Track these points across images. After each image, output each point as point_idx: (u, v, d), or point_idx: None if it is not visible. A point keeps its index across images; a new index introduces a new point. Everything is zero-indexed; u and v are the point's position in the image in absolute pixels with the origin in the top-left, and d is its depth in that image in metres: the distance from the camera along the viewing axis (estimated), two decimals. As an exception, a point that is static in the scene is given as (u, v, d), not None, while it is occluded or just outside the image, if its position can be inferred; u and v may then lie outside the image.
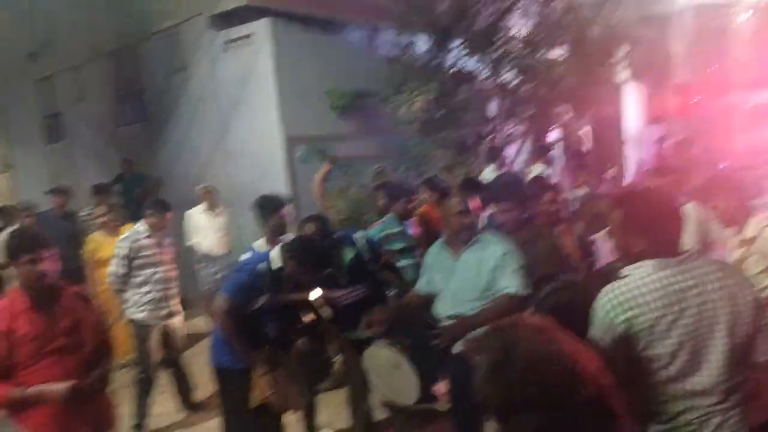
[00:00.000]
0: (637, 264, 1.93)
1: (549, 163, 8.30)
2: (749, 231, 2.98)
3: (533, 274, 3.02)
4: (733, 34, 15.42)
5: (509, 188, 3.08)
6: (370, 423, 3.97)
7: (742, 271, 2.53)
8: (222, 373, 3.31)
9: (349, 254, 3.66)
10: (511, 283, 2.95)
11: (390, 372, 3.38)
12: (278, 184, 6.89)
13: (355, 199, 6.94)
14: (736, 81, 15.67)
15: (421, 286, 3.40)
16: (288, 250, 3.15)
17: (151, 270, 4.47)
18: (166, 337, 4.62)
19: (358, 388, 3.85)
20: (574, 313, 2.08)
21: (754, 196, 3.48)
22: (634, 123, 14.16)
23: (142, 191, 8.07)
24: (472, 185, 4.46)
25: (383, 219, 4.41)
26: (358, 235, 3.83)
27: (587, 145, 12.63)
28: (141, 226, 4.52)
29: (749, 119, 15.06)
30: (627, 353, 1.86)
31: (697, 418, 1.89)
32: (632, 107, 13.94)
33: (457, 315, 3.08)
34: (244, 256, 3.77)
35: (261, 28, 6.73)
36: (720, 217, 3.20)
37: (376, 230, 4.50)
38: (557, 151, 10.67)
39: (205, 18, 7.17)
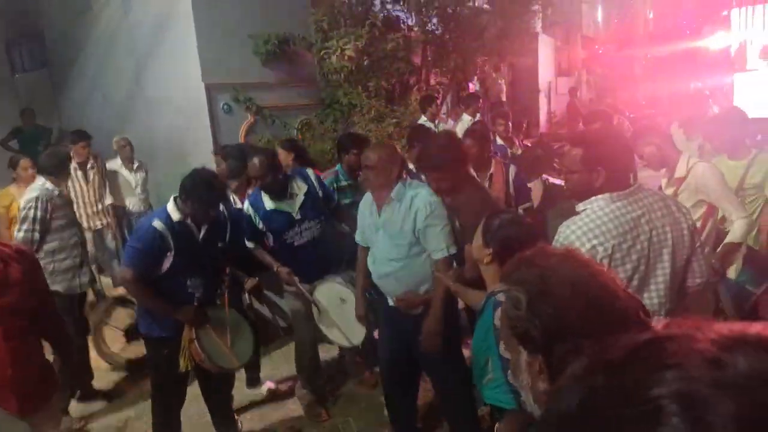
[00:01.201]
0: (591, 199, 2.08)
1: (475, 112, 8.46)
2: (679, 170, 3.18)
3: (469, 229, 2.78)
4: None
5: (440, 155, 2.84)
6: (315, 373, 3.98)
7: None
8: (149, 342, 3.17)
9: (302, 188, 3.58)
10: (439, 246, 2.81)
11: (337, 307, 3.38)
12: (200, 136, 6.55)
13: (284, 150, 6.74)
14: (638, 33, 16.61)
15: (358, 239, 3.26)
16: (182, 193, 2.97)
17: (68, 232, 3.99)
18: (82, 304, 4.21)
19: (304, 339, 3.84)
20: (524, 245, 2.21)
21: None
22: (546, 73, 14.67)
23: (45, 145, 7.40)
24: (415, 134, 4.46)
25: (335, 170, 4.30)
26: (310, 171, 3.76)
27: (504, 95, 13.00)
28: (48, 183, 3.93)
29: (648, 70, 16.07)
30: None
31: None
32: (545, 58, 14.40)
33: (387, 274, 2.97)
34: None
35: (177, -35, 6.21)
36: (648, 163, 3.40)
37: (327, 182, 4.41)
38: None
39: (111, -48, 6.53)
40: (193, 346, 3.04)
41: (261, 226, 3.55)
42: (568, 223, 2.09)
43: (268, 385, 4.26)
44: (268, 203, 3.51)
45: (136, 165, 6.31)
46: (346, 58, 6.45)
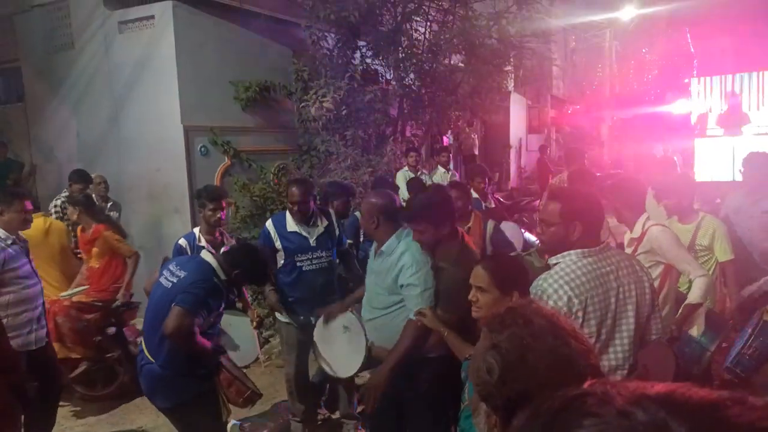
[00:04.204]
0: (563, 253, 2.15)
1: (446, 164, 8.69)
2: (636, 231, 3.28)
3: (450, 298, 2.75)
4: (603, 53, 17.05)
5: (427, 208, 2.80)
6: (303, 399, 4.07)
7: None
8: (188, 406, 2.94)
9: (323, 222, 3.88)
10: (424, 300, 2.78)
11: (338, 335, 3.38)
12: (175, 177, 6.55)
13: (259, 195, 6.78)
14: (605, 95, 17.35)
15: None
16: (232, 264, 2.98)
17: (22, 284, 3.59)
18: (40, 360, 3.72)
19: (290, 369, 4.01)
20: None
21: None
22: (517, 130, 15.13)
23: (15, 179, 7.28)
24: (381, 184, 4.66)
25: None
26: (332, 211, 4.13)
27: (476, 149, 13.34)
28: (0, 231, 3.54)
29: (613, 132, 16.73)
30: None
31: None
32: (516, 116, 14.89)
33: (369, 320, 3.05)
34: (182, 242, 3.92)
35: (163, 10, 6.33)
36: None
37: None
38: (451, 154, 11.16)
39: (97, -6, 6.63)
40: (234, 387, 2.99)
41: (277, 244, 3.80)
42: (545, 276, 2.13)
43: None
44: (291, 225, 3.82)
45: (110, 204, 6.24)
46: (324, 109, 6.60)
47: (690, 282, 3.10)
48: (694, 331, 3.21)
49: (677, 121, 11.65)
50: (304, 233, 3.82)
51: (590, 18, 12.82)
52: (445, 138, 11.65)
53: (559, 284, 2.07)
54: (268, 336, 5.66)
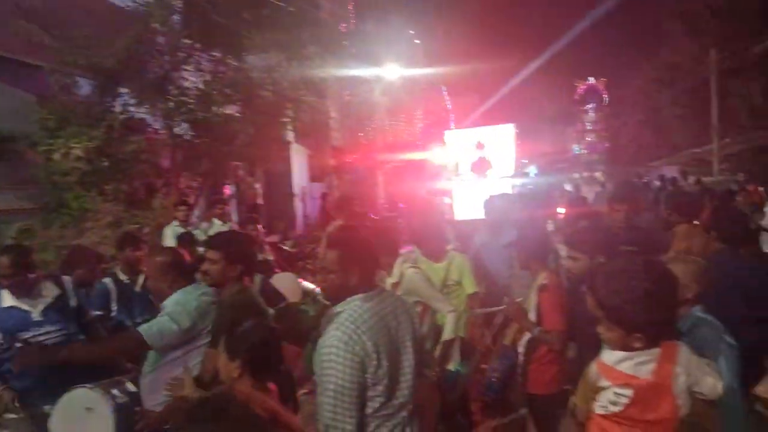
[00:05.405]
0: (347, 300, 2.17)
1: (225, 216, 8.39)
2: (394, 275, 3.45)
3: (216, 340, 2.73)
4: (376, 106, 18.47)
5: (227, 241, 2.89)
6: None
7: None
8: None
9: (52, 291, 3.37)
10: (148, 326, 2.81)
11: (79, 420, 2.85)
12: None
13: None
14: (379, 145, 18.74)
15: None
16: None
17: None
18: None
19: None
20: (274, 350, 2.29)
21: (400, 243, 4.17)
22: (300, 179, 15.44)
23: None
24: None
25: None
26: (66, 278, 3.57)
27: (260, 198, 13.25)
28: None
29: (389, 177, 18.10)
30: (364, 380, 2.05)
31: None
32: (298, 165, 15.20)
33: (144, 376, 2.89)
34: None
35: None
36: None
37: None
38: (231, 205, 10.90)
39: None
40: None
41: None
42: (336, 326, 2.09)
43: None
44: (7, 300, 3.27)
45: None
46: (73, 158, 5.91)
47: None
48: (452, 366, 3.47)
49: (439, 167, 13.06)
50: (25, 307, 3.26)
51: (359, 73, 13.80)
52: (227, 188, 11.34)
53: (352, 330, 2.05)
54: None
